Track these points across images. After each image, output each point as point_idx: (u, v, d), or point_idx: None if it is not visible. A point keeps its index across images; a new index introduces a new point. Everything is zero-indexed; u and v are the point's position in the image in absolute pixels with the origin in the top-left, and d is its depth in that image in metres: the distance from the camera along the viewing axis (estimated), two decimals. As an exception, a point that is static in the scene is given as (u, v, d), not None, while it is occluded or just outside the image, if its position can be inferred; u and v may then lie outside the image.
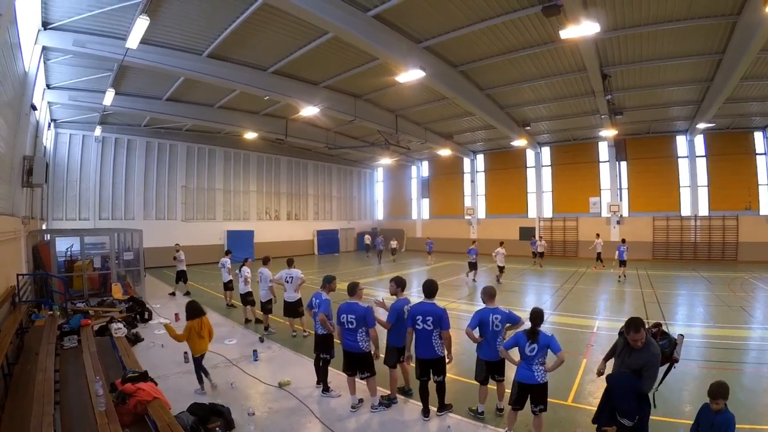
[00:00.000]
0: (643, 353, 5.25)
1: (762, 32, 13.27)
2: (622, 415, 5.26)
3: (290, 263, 12.57)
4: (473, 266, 22.53)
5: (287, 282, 12.16)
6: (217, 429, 6.41)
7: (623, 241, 24.55)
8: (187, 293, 18.69)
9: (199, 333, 8.07)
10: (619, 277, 22.62)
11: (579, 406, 7.58)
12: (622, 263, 22.90)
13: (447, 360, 7.09)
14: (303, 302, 11.75)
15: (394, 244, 35.14)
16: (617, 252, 23.27)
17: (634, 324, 5.28)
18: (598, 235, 28.82)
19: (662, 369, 5.55)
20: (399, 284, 8.08)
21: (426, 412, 7.19)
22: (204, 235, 32.81)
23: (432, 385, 7.23)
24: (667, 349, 5.39)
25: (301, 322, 12.45)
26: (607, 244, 28.19)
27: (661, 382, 5.63)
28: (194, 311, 8.24)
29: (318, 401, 7.96)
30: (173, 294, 18.79)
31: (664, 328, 6.02)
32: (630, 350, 5.38)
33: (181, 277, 18.93)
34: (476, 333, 7.04)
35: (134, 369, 7.21)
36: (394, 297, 8.05)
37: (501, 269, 22.53)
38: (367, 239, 38.40)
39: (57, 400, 6.16)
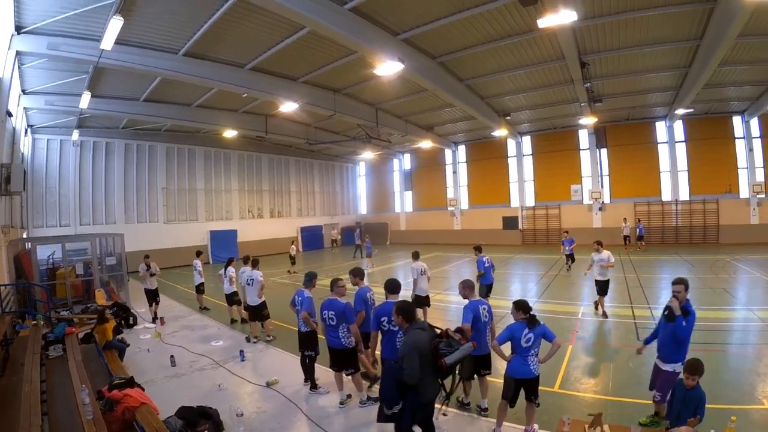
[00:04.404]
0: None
1: (739, 18, 13.42)
2: (383, 402, 5.31)
3: (254, 264, 12.14)
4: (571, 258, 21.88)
5: (248, 284, 11.83)
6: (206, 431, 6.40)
7: (639, 220, 30.95)
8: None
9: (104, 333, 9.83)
10: (639, 247, 29.17)
11: (566, 393, 7.69)
12: (641, 238, 29.44)
13: None
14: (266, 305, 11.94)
15: (292, 251, 27.86)
16: (638, 229, 29.68)
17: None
18: (625, 219, 30.70)
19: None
20: (357, 275, 8.42)
21: None
22: (187, 236, 32.32)
23: None
24: (443, 351, 5.23)
25: (264, 326, 12.11)
26: (593, 231, 28.75)
27: (450, 391, 5.59)
28: (101, 318, 10.16)
29: (306, 399, 7.98)
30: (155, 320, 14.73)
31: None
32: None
33: (155, 296, 15.09)
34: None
35: (120, 375, 7.16)
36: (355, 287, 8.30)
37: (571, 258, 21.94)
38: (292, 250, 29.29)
39: (44, 410, 6.09)
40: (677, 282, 6.16)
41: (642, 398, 7.05)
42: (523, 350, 5.92)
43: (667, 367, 6.03)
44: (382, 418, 5.32)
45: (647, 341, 6.65)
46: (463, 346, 5.24)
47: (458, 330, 5.68)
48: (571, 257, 21.33)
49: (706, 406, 4.93)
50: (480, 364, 6.98)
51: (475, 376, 7.14)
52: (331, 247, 43.10)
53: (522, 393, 6.12)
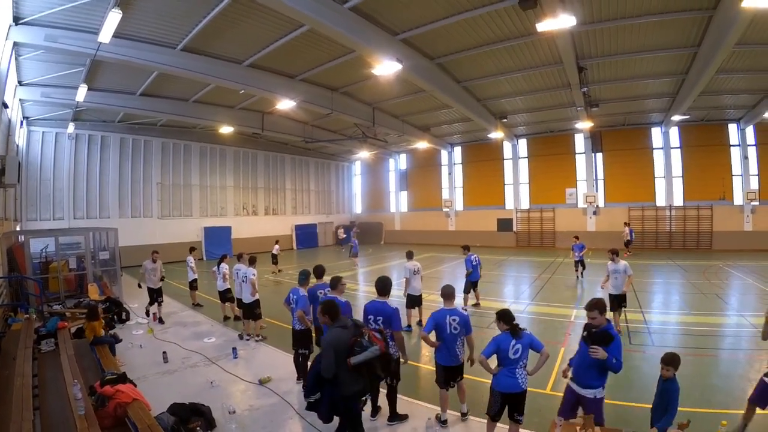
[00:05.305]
0: None
1: (737, 26, 13.54)
2: (304, 391, 5.73)
3: (251, 261, 12.00)
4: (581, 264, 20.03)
5: (243, 282, 11.81)
6: (198, 428, 6.38)
7: (629, 225, 30.48)
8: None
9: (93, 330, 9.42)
10: (630, 251, 28.07)
11: (558, 394, 7.65)
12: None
13: (402, 361, 6.86)
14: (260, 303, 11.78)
15: (275, 250, 25.41)
16: (628, 233, 29.34)
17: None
18: (625, 224, 30.62)
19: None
20: (316, 273, 8.84)
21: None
22: (181, 232, 32.19)
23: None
24: (355, 350, 5.22)
25: (257, 326, 11.91)
26: (587, 234, 28.82)
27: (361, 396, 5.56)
28: (92, 314, 9.59)
29: (299, 397, 7.89)
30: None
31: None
32: None
33: (158, 296, 14.54)
34: (432, 336, 6.68)
35: (113, 371, 7.12)
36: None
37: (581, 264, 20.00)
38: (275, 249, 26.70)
39: (36, 405, 6.04)
40: (590, 307, 5.54)
41: (633, 401, 7.11)
42: (510, 362, 5.58)
43: (587, 393, 5.42)
44: (306, 406, 5.53)
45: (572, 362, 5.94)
46: (370, 348, 5.25)
47: (378, 331, 5.79)
48: (581, 263, 19.83)
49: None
50: (450, 375, 6.78)
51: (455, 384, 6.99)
52: (339, 246, 42.17)
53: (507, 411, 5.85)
